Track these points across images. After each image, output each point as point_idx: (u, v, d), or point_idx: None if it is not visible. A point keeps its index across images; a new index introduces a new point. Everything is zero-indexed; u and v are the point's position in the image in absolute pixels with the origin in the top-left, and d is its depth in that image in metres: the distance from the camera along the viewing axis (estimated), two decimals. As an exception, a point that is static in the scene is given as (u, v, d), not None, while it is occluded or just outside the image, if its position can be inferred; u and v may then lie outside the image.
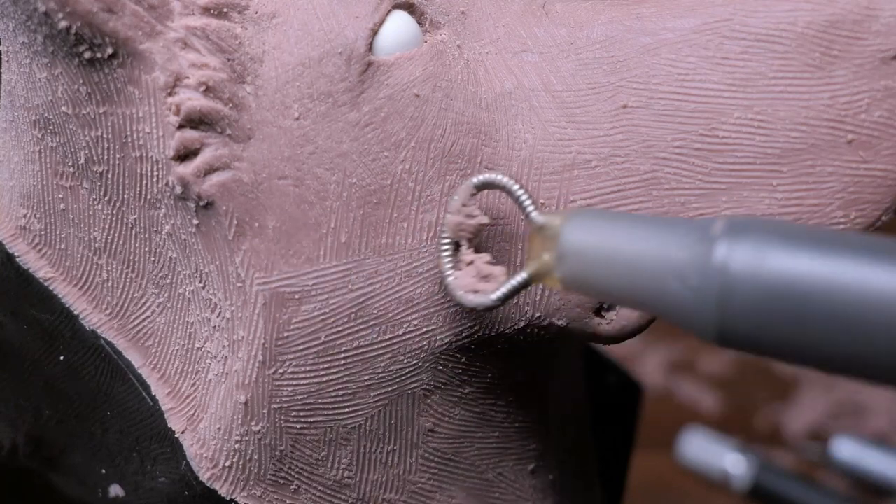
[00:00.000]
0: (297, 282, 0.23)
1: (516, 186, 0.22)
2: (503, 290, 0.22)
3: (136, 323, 0.25)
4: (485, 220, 0.23)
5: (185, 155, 0.22)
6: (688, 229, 0.19)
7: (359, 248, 0.23)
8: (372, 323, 0.23)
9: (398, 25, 0.23)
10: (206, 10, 0.22)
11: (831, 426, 0.63)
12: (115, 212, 0.24)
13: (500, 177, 0.22)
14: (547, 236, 0.21)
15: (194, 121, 0.22)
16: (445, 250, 0.23)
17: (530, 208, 0.22)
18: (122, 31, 0.21)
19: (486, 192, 0.23)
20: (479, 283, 0.22)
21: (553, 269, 0.21)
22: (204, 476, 0.24)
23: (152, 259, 0.25)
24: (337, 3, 0.23)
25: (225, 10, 0.23)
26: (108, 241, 0.25)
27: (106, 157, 0.23)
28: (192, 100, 0.22)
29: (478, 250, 0.23)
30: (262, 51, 0.23)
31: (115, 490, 0.27)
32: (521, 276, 0.21)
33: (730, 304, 0.18)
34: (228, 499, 0.24)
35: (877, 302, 0.16)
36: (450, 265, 0.22)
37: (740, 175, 0.23)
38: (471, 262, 0.22)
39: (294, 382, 0.23)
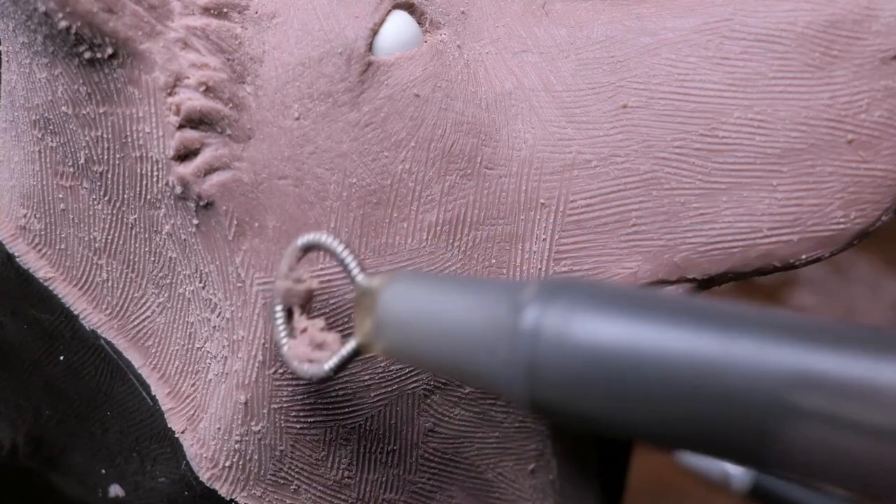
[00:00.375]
0: (297, 282, 0.23)
1: (340, 248, 0.21)
2: (333, 360, 0.21)
3: (136, 323, 0.25)
4: (314, 284, 0.22)
5: (185, 155, 0.22)
6: (499, 297, 0.18)
7: (359, 248, 0.23)
8: (372, 323, 0.23)
9: (398, 25, 0.23)
10: (206, 10, 0.22)
11: (831, 426, 0.63)
12: (115, 212, 0.24)
13: (324, 238, 0.21)
14: (370, 302, 0.20)
15: (194, 121, 0.22)
16: (279, 318, 0.22)
17: (355, 272, 0.21)
18: (122, 31, 0.21)
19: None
20: (313, 351, 0.21)
21: (374, 339, 0.20)
22: (204, 476, 0.24)
23: (152, 259, 0.25)
24: (337, 3, 0.23)
25: (225, 10, 0.23)
26: (108, 241, 0.25)
27: (106, 157, 0.23)
28: (192, 100, 0.22)
29: (312, 314, 0.22)
30: (262, 51, 0.23)
31: (115, 490, 0.27)
32: (350, 346, 0.21)
33: (538, 374, 0.17)
34: (228, 499, 0.24)
35: (677, 368, 0.16)
36: (284, 333, 0.22)
37: (740, 175, 0.23)
38: (304, 330, 0.22)
39: (294, 382, 0.23)
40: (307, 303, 0.22)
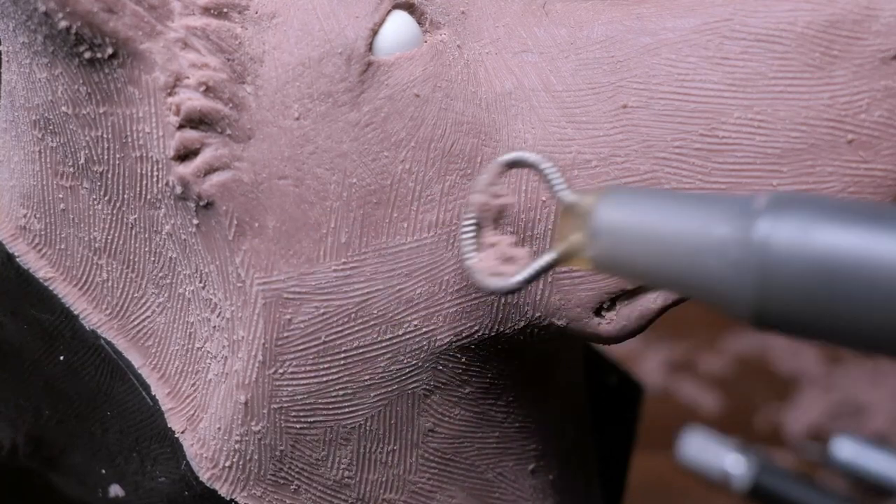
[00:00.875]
0: (298, 282, 0.23)
1: (547, 164, 0.21)
2: (528, 271, 0.21)
3: (136, 323, 0.25)
4: (511, 200, 0.22)
5: (185, 155, 0.22)
6: (729, 204, 0.18)
7: (359, 248, 0.23)
8: (372, 323, 0.23)
9: (398, 25, 0.23)
10: (206, 10, 0.22)
11: (831, 426, 0.63)
12: (115, 212, 0.24)
13: (529, 155, 0.21)
14: (577, 215, 0.20)
15: (194, 121, 0.22)
16: (468, 231, 0.22)
17: (560, 187, 0.21)
18: (123, 31, 0.21)
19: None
20: (501, 265, 0.21)
21: (583, 249, 0.20)
22: (204, 476, 0.24)
23: (152, 259, 0.25)
24: (337, 3, 0.23)
25: (225, 10, 0.23)
26: (108, 241, 0.25)
27: (106, 157, 0.23)
28: (192, 100, 0.22)
29: (501, 233, 0.22)
30: (262, 51, 0.23)
31: (115, 490, 0.27)
32: (549, 257, 0.20)
33: (770, 282, 0.17)
34: (228, 499, 0.24)
35: None
36: (471, 247, 0.22)
37: (740, 175, 0.23)
38: (493, 245, 0.22)
39: (294, 382, 0.23)
40: (500, 218, 0.22)
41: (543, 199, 0.23)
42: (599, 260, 0.20)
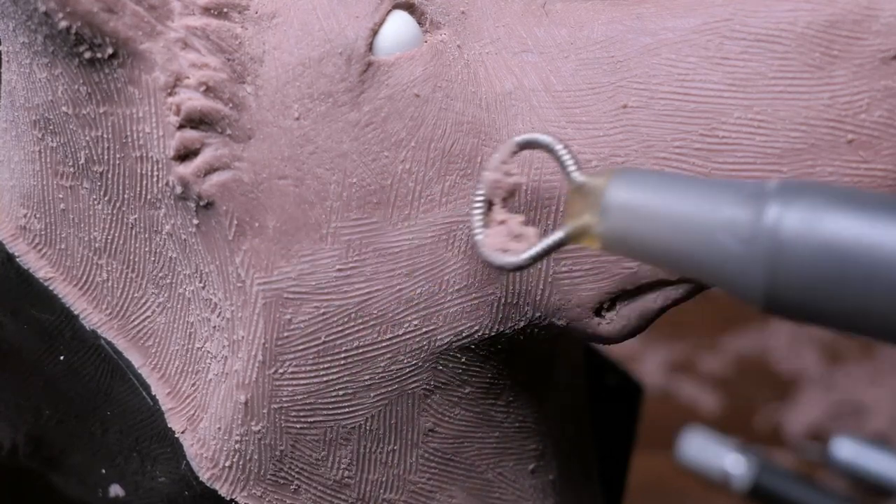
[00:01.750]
0: (298, 282, 0.23)
1: (559, 146, 0.21)
2: (537, 248, 0.21)
3: (136, 323, 0.25)
4: (522, 179, 0.22)
5: (185, 155, 0.22)
6: (740, 188, 0.18)
7: (359, 248, 0.23)
8: (372, 323, 0.23)
9: (398, 25, 0.23)
10: (206, 10, 0.22)
11: (831, 426, 0.63)
12: (115, 212, 0.24)
13: (541, 136, 0.22)
14: (588, 195, 0.20)
15: (194, 121, 0.22)
16: (478, 207, 0.22)
17: (572, 167, 0.21)
18: (123, 31, 0.21)
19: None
20: (510, 242, 0.21)
21: (593, 228, 0.20)
22: (204, 476, 0.24)
23: (152, 259, 0.25)
24: (337, 3, 0.23)
25: (225, 10, 0.23)
26: (108, 241, 0.25)
27: (106, 157, 0.23)
28: (192, 100, 0.22)
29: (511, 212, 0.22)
30: (262, 51, 0.23)
31: (115, 490, 0.27)
32: (558, 235, 0.21)
33: (780, 267, 0.17)
34: (228, 499, 0.24)
35: None
36: (480, 223, 0.22)
37: (740, 175, 0.23)
38: (503, 222, 0.22)
39: (294, 382, 0.23)
40: (510, 197, 0.22)
41: (555, 181, 0.23)
42: (609, 238, 0.20)
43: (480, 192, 0.22)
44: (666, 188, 0.19)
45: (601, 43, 0.24)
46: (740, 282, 0.18)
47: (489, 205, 0.22)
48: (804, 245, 0.17)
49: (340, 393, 0.24)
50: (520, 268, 0.21)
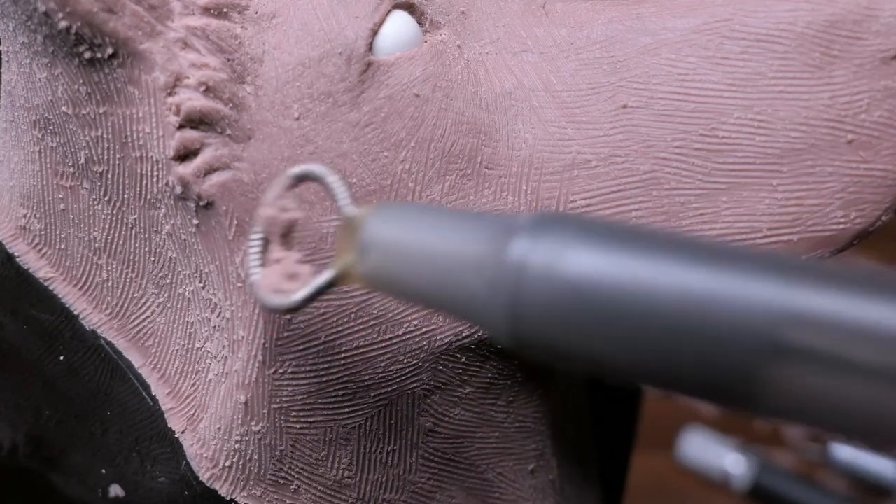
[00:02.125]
0: (297, 282, 0.23)
1: (331, 177, 0.20)
2: (306, 291, 0.20)
3: (136, 323, 0.25)
4: (298, 214, 0.21)
5: (185, 155, 0.22)
6: (496, 222, 0.18)
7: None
8: (372, 323, 0.23)
9: (398, 25, 0.23)
10: (206, 10, 0.22)
11: (831, 426, 0.63)
12: (115, 212, 0.24)
13: (315, 167, 0.21)
14: (355, 230, 0.19)
15: (194, 121, 0.22)
16: (254, 245, 0.21)
17: (344, 201, 0.20)
18: (122, 31, 0.21)
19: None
20: (284, 282, 0.20)
21: (355, 267, 0.19)
22: (204, 476, 0.24)
23: (152, 259, 0.25)
24: (337, 3, 0.23)
25: (225, 10, 0.23)
26: (108, 241, 0.25)
27: (106, 157, 0.23)
28: (192, 100, 0.22)
29: (291, 248, 0.21)
30: (262, 51, 0.23)
31: (115, 490, 0.27)
32: (326, 276, 0.20)
33: (521, 304, 0.16)
34: (228, 499, 0.24)
35: (665, 306, 0.15)
36: (257, 262, 0.21)
37: (740, 175, 0.23)
38: (279, 260, 0.21)
39: (294, 382, 0.23)
40: (287, 234, 0.21)
41: (334, 214, 0.22)
42: (369, 278, 0.19)
43: (257, 230, 0.21)
44: (423, 224, 0.18)
45: (601, 43, 0.24)
46: (487, 320, 0.17)
47: (266, 242, 0.21)
48: (545, 282, 0.16)
49: (340, 393, 0.24)
50: (291, 311, 0.20)
